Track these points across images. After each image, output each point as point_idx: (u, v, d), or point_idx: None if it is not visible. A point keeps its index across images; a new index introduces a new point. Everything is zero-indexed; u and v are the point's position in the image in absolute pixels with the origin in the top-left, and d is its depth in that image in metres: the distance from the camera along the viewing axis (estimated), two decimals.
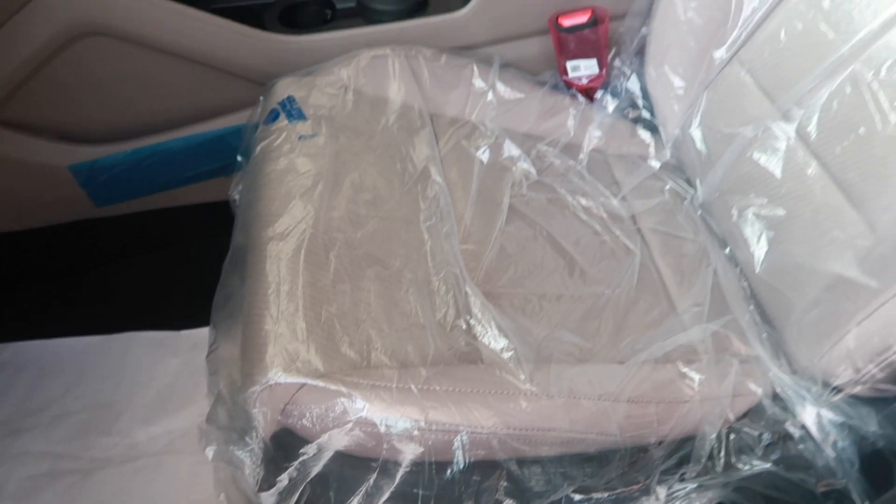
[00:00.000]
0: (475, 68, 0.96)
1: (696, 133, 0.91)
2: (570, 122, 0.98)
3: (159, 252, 1.20)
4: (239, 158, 0.96)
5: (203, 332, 0.76)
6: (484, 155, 0.90)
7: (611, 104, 1.00)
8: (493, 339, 0.65)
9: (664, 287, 0.82)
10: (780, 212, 0.77)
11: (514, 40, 1.01)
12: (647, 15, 0.97)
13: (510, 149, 0.91)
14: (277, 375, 0.59)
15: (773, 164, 0.79)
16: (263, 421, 0.60)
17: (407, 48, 0.95)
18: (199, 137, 1.05)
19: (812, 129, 0.75)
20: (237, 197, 0.93)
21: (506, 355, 0.63)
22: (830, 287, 0.66)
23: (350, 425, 0.57)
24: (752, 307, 0.79)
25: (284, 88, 0.90)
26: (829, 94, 0.74)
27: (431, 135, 0.89)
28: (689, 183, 0.94)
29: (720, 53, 0.88)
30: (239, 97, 1.01)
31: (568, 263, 0.81)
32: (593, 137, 0.97)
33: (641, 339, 0.74)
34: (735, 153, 0.84)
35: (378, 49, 0.95)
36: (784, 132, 0.78)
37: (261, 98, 0.94)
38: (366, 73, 0.93)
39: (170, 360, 1.05)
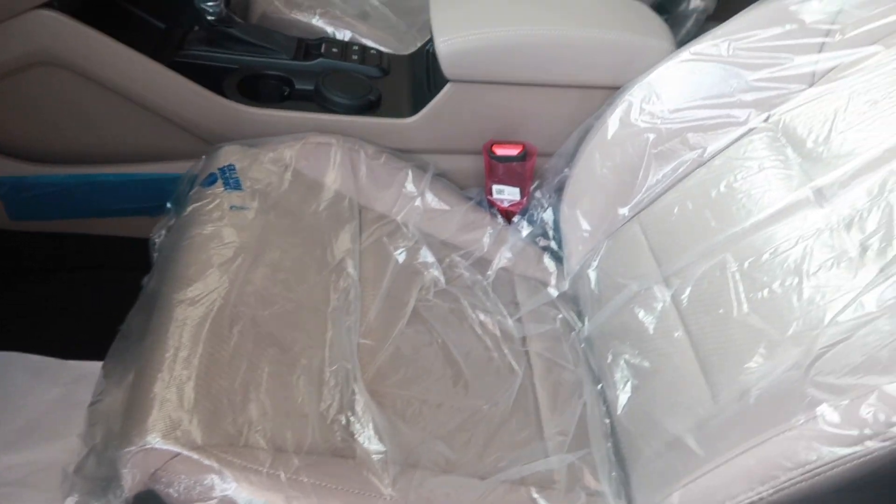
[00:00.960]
0: (410, 173, 1.04)
1: (592, 274, 1.01)
2: (486, 239, 1.06)
3: (65, 275, 1.19)
4: (168, 205, 0.99)
5: (89, 366, 0.76)
6: (401, 256, 0.96)
7: (525, 229, 1.09)
8: (368, 440, 0.70)
9: (537, 411, 0.89)
10: (647, 364, 0.86)
11: (451, 154, 1.10)
12: (571, 159, 1.08)
13: (426, 254, 0.98)
14: (155, 440, 0.61)
15: (648, 320, 0.89)
16: (131, 481, 0.62)
17: (352, 141, 1.03)
18: (134, 176, 1.07)
19: (685, 298, 0.86)
20: (157, 240, 0.96)
21: (375, 457, 0.68)
22: (669, 444, 0.75)
23: (214, 502, 0.60)
24: (609, 444, 0.87)
25: (228, 155, 0.95)
26: (703, 273, 0.85)
27: (357, 228, 0.95)
28: (580, 316, 1.03)
29: (623, 210, 0.99)
30: (182, 148, 1.05)
31: (455, 373, 0.87)
32: (504, 257, 1.06)
33: (506, 457, 0.81)
34: (621, 301, 0.94)
35: (325, 136, 1.01)
36: (662, 295, 0.88)
37: (203, 157, 0.98)
38: (308, 157, 0.99)
39: (49, 388, 1.03)
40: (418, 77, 1.15)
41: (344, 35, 1.28)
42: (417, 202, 1.03)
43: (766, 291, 0.77)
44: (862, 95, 0.80)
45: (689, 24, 1.29)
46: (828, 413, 0.57)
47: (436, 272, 0.97)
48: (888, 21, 0.80)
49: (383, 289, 0.90)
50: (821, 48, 0.85)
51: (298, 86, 1.09)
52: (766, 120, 0.89)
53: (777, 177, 0.84)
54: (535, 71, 1.02)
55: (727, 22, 0.94)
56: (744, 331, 0.77)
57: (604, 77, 1.03)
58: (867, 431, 0.55)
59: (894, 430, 0.54)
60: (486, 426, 0.83)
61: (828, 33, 0.85)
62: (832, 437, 0.56)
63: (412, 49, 1.26)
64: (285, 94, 1.10)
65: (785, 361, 0.70)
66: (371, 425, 0.71)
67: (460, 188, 1.11)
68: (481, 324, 0.95)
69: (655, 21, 1.09)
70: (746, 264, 0.81)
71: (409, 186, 1.03)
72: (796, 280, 0.75)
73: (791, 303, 0.75)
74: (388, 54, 1.21)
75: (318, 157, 0.99)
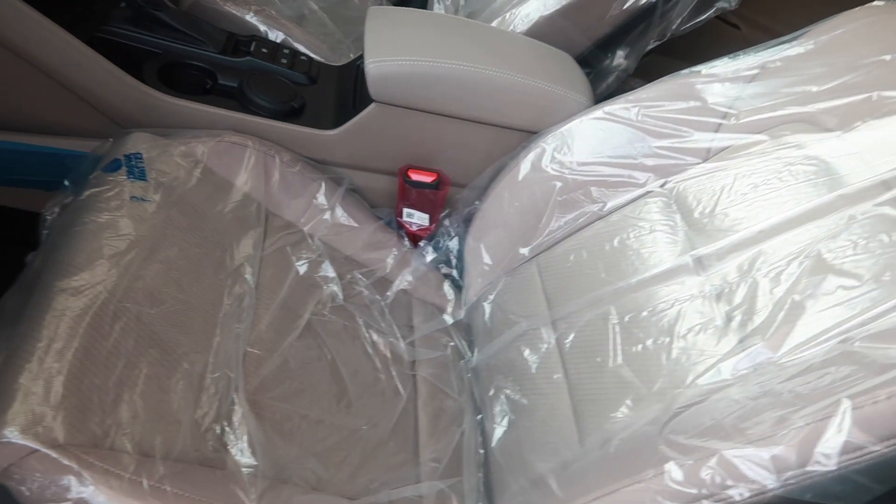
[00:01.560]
0: (323, 185, 1.04)
1: (487, 307, 1.05)
2: (390, 260, 1.08)
3: None
4: (66, 183, 0.95)
5: None
6: (302, 267, 0.96)
7: (430, 255, 1.12)
8: (240, 452, 0.70)
9: (416, 435, 0.91)
10: (525, 401, 0.90)
11: (366, 171, 1.11)
12: (482, 193, 1.11)
13: (327, 269, 0.98)
14: (13, 434, 0.59)
15: (532, 359, 0.93)
16: None
17: (268, 146, 1.02)
18: (34, 148, 1.02)
19: (568, 343, 0.90)
20: (49, 217, 0.92)
21: (245, 470, 0.68)
22: (533, 482, 0.78)
23: None
24: (481, 475, 0.90)
25: (136, 142, 0.92)
26: (587, 321, 0.90)
27: (261, 235, 0.95)
28: (471, 346, 1.06)
29: (524, 251, 1.03)
30: (89, 127, 1.01)
31: (339, 391, 0.88)
32: (405, 279, 1.08)
33: (379, 479, 0.82)
34: (510, 337, 0.98)
35: (241, 137, 1.00)
36: (548, 337, 0.93)
37: (110, 140, 0.95)
38: (221, 155, 0.97)
39: None
40: (345, 90, 1.16)
41: (276, 36, 1.27)
42: (326, 215, 1.03)
43: (640, 346, 0.83)
44: (746, 178, 0.87)
45: (611, 79, 1.35)
46: (674, 470, 0.62)
47: (335, 287, 0.97)
48: (775, 115, 0.88)
49: (279, 299, 0.90)
50: (717, 128, 0.93)
51: (222, 81, 1.08)
52: (662, 186, 0.95)
53: (665, 240, 0.90)
54: (459, 105, 1.05)
55: (641, 89, 1.00)
56: (616, 381, 0.82)
57: (523, 121, 1.07)
58: (704, 491, 0.60)
59: (727, 493, 0.59)
60: (364, 447, 0.84)
61: (725, 116, 0.92)
62: (674, 493, 0.61)
63: (344, 60, 1.26)
64: (207, 87, 1.08)
65: (646, 415, 0.75)
66: (245, 437, 0.71)
67: (372, 206, 1.13)
68: (373, 343, 0.96)
69: (578, 75, 1.14)
70: (627, 318, 0.86)
71: (321, 198, 1.04)
72: (668, 339, 0.81)
73: (660, 360, 0.80)
74: (318, 62, 1.21)
75: (231, 157, 0.98)
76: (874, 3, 0.90)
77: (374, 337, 0.97)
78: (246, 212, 0.96)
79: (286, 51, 1.17)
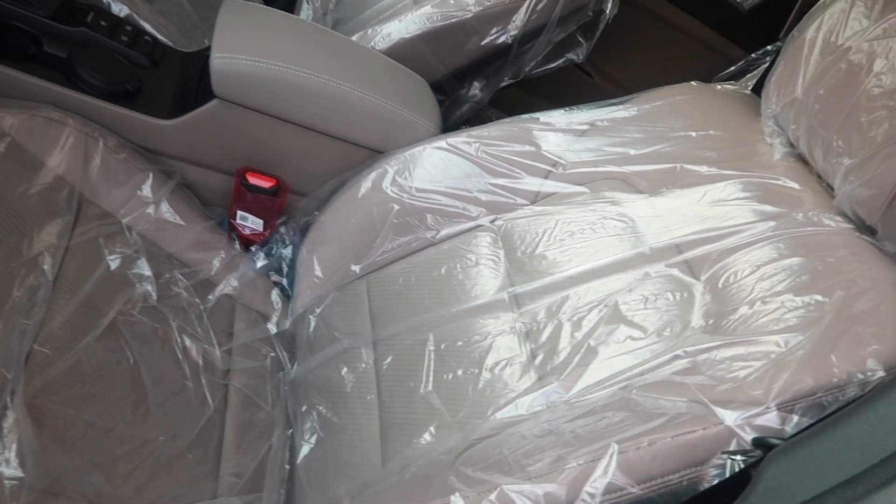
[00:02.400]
0: (151, 177, 0.99)
1: (313, 320, 1.04)
2: (216, 262, 1.04)
3: None
4: None
5: None
6: (114, 262, 0.90)
7: (261, 261, 1.09)
8: (5, 462, 0.64)
9: (219, 448, 0.88)
10: (335, 420, 0.90)
11: (201, 167, 1.06)
12: (322, 205, 1.10)
13: (143, 266, 0.93)
14: None
15: (349, 378, 0.93)
16: None
17: (92, 127, 0.95)
18: None
19: (385, 364, 0.92)
20: None
21: (7, 483, 0.62)
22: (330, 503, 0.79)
23: None
24: (283, 491, 0.89)
25: None
26: (407, 345, 0.92)
27: (70, 223, 0.87)
28: (292, 358, 1.04)
29: (356, 268, 1.04)
30: None
31: (138, 398, 0.83)
32: (230, 284, 1.04)
33: (169, 494, 0.79)
34: (331, 353, 0.97)
35: (61, 114, 0.92)
36: (367, 357, 0.94)
37: None
38: (34, 131, 0.89)
39: None
40: (189, 79, 1.10)
41: (121, 10, 1.18)
42: (150, 209, 0.97)
43: (451, 375, 0.86)
44: (566, 225, 0.93)
45: (465, 108, 1.40)
46: (457, 502, 0.65)
47: (149, 286, 0.92)
48: (597, 170, 0.95)
49: (81, 294, 0.83)
50: (547, 175, 0.99)
51: (48, 49, 0.98)
52: (492, 221, 1.00)
53: (488, 274, 0.94)
54: (308, 115, 1.03)
55: (484, 126, 1.04)
56: (424, 407, 0.85)
57: (370, 139, 1.07)
58: None
59: None
60: (157, 458, 0.80)
61: (555, 164, 0.98)
62: None
63: (195, 47, 1.20)
64: (29, 53, 0.98)
65: (445, 444, 0.78)
66: (15, 446, 0.65)
67: (204, 204, 1.08)
68: (185, 349, 0.92)
69: (430, 101, 1.17)
70: (443, 346, 0.89)
71: (146, 190, 0.98)
72: (477, 371, 0.85)
73: (467, 390, 0.84)
74: (163, 45, 1.14)
75: (45, 135, 0.90)
76: (691, 82, 1.00)
77: (187, 342, 0.93)
78: (55, 196, 0.88)
79: (128, 27, 1.09)
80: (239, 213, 1.07)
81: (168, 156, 1.04)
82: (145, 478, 0.77)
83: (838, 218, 0.76)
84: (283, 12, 1.15)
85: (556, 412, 0.75)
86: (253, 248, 1.09)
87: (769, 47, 1.95)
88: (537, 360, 0.83)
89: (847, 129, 0.72)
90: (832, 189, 0.78)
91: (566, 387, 0.77)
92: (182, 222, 1.00)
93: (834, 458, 0.44)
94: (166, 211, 0.99)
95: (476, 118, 1.51)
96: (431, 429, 0.81)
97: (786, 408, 0.64)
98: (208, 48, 1.12)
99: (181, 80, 1.10)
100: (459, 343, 0.89)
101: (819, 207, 0.77)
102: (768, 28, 2.00)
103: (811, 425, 0.58)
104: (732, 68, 2.00)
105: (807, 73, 0.78)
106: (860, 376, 0.64)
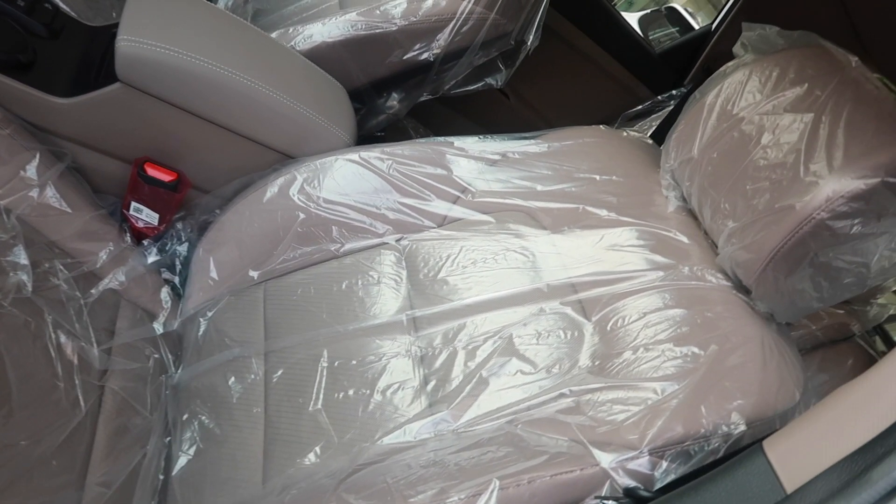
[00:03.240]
0: (38, 157, 0.92)
1: (203, 323, 1.00)
2: (103, 254, 0.98)
3: None
4: None
5: None
6: None
7: (153, 256, 1.04)
8: None
9: (88, 455, 0.83)
10: (218, 431, 0.87)
11: (96, 152, 1.00)
12: (224, 204, 1.07)
13: (19, 254, 0.86)
14: None
15: (236, 388, 0.90)
16: None
17: None
18: None
19: (276, 378, 0.90)
20: None
21: None
22: None
23: None
24: (155, 502, 0.85)
25: None
26: (299, 359, 0.90)
27: None
28: (177, 362, 1.00)
29: (254, 274, 1.01)
30: None
31: (1, 398, 0.77)
32: (117, 278, 0.98)
33: None
34: (220, 360, 0.94)
35: None
36: (258, 368, 0.91)
37: None
38: None
39: None
40: (91, 57, 1.03)
41: None
42: (34, 192, 0.90)
43: (342, 394, 0.85)
44: (470, 252, 0.95)
45: (381, 118, 1.39)
46: None
47: (24, 276, 0.85)
48: (504, 202, 0.97)
49: None
50: (456, 200, 1.00)
51: None
52: (398, 241, 1.00)
53: (389, 294, 0.94)
54: (217, 111, 0.99)
55: (399, 144, 1.04)
56: (312, 425, 0.84)
57: (281, 143, 1.05)
58: None
59: None
60: (17, 465, 0.75)
61: (464, 190, 1.00)
62: None
63: (100, 21, 1.13)
64: None
65: (330, 466, 0.77)
66: None
67: (95, 191, 1.02)
68: (59, 346, 0.86)
69: (346, 109, 1.16)
70: (337, 363, 0.88)
71: (31, 171, 0.91)
72: (368, 392, 0.85)
73: (357, 411, 0.83)
74: (66, 16, 1.06)
75: None
76: (600, 126, 1.04)
77: (62, 339, 0.87)
78: None
79: None
80: (133, 204, 1.02)
81: (60, 136, 0.97)
82: (1, 486, 0.72)
83: (719, 275, 0.82)
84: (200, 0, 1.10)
85: (443, 441, 0.76)
86: (145, 242, 1.04)
87: (674, 91, 2.07)
88: (429, 386, 0.84)
89: (733, 194, 0.78)
90: (716, 246, 0.83)
91: (455, 416, 0.79)
92: (68, 209, 0.94)
93: None
94: (52, 195, 0.92)
95: (392, 127, 1.51)
96: (317, 449, 0.80)
97: (657, 453, 0.69)
98: (116, 24, 1.05)
99: (82, 56, 1.02)
100: (353, 362, 0.88)
101: (703, 263, 0.83)
102: (675, 73, 2.12)
103: (677, 482, 0.62)
104: (639, 107, 2.11)
105: (704, 135, 0.83)
106: (725, 429, 0.69)
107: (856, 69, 0.76)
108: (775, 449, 0.47)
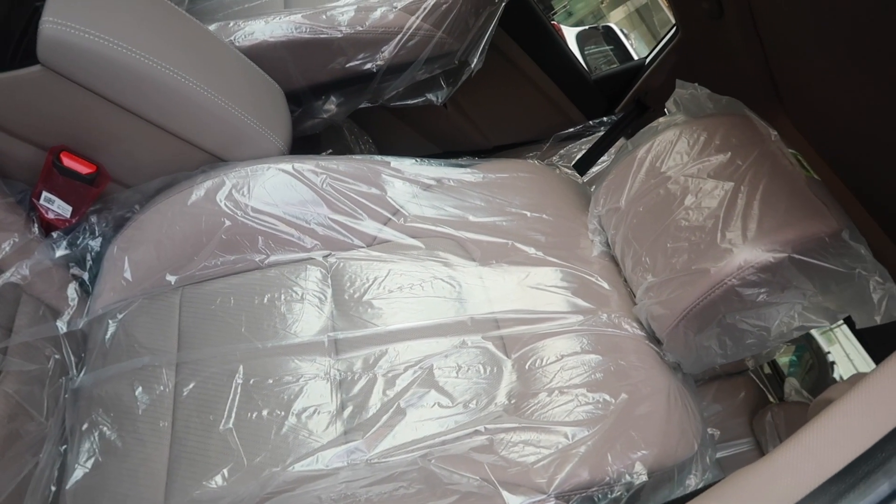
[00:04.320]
0: None
1: (112, 325, 0.96)
2: (6, 245, 0.92)
3: None
4: None
5: None
6: None
7: (62, 250, 0.98)
8: None
9: None
10: (119, 444, 0.84)
11: (9, 135, 0.94)
12: (145, 202, 1.02)
13: None
14: None
15: (143, 399, 0.87)
16: None
17: None
18: None
19: (186, 391, 0.87)
20: None
21: None
22: None
23: None
24: None
25: None
26: (213, 373, 0.88)
27: None
28: (80, 364, 0.95)
29: (171, 278, 0.97)
30: None
31: None
32: (20, 271, 0.93)
33: None
34: (127, 368, 0.90)
35: None
36: (168, 379, 0.88)
37: None
38: None
39: None
40: (10, 32, 0.96)
41: None
42: None
43: (255, 414, 0.84)
44: (397, 276, 0.95)
45: (317, 121, 1.37)
46: None
47: None
48: (435, 229, 0.98)
49: None
50: (386, 222, 0.99)
51: None
52: (325, 257, 0.99)
53: (311, 313, 0.93)
54: (146, 105, 0.95)
55: (334, 158, 1.02)
56: (221, 445, 0.82)
57: (211, 144, 1.01)
58: None
59: None
60: None
61: (396, 212, 1.00)
62: None
63: None
64: None
65: (237, 492, 0.76)
66: None
67: (3, 177, 0.95)
68: None
69: (283, 113, 1.13)
70: (252, 381, 0.87)
71: None
72: (283, 414, 0.83)
73: (269, 433, 0.82)
74: None
75: None
76: (535, 162, 1.06)
77: None
78: None
79: None
80: (45, 194, 0.96)
81: None
82: None
83: (635, 324, 0.85)
84: None
85: (356, 472, 0.76)
86: (54, 235, 0.98)
87: (605, 118, 2.14)
88: (346, 413, 0.83)
89: (654, 249, 0.81)
90: (634, 295, 0.87)
91: (370, 445, 0.79)
92: None
93: None
94: None
95: (331, 132, 1.49)
96: (225, 471, 0.79)
97: (563, 497, 0.71)
98: (41, 1, 0.99)
99: (1, 31, 0.95)
100: (270, 381, 0.87)
101: (621, 311, 0.86)
102: (608, 100, 2.19)
103: None
104: (571, 129, 2.16)
105: (632, 188, 0.86)
106: (628, 478, 0.72)
107: (774, 142, 0.81)
108: None
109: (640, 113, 1.94)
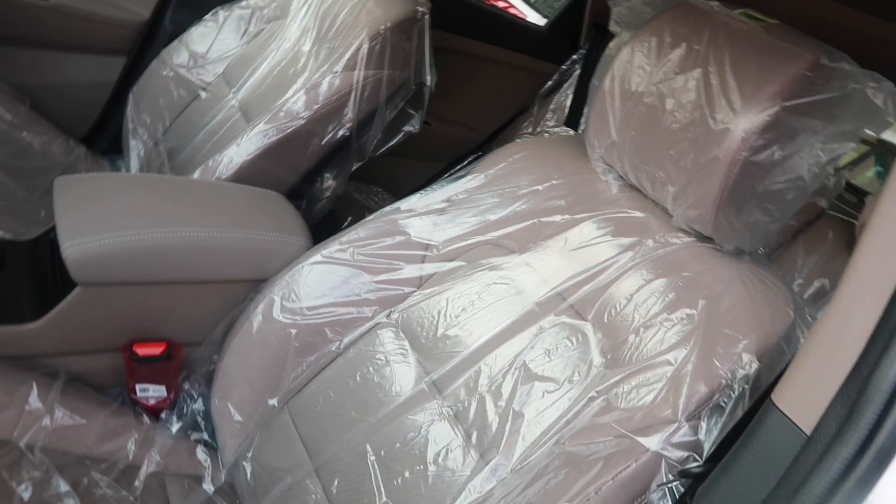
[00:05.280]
0: (34, 386, 0.94)
1: (247, 466, 1.03)
2: (131, 445, 1.01)
3: None
4: None
5: None
6: (26, 492, 0.86)
7: (175, 425, 1.07)
8: None
9: None
10: None
11: (85, 354, 1.03)
12: (219, 348, 1.10)
13: (58, 483, 0.89)
14: None
15: None
16: None
17: None
18: None
19: (335, 489, 0.93)
20: None
21: None
22: None
23: None
24: None
25: None
26: (348, 463, 0.94)
27: None
28: None
29: (273, 401, 1.04)
30: None
31: None
32: (153, 461, 1.01)
33: None
34: (276, 495, 0.98)
35: None
36: (315, 487, 0.95)
37: None
38: None
39: None
40: (41, 271, 1.06)
41: None
42: (45, 420, 0.93)
43: (399, 479, 0.89)
44: (456, 300, 0.99)
45: (324, 201, 1.43)
46: None
47: (72, 502, 0.88)
48: (467, 243, 1.01)
49: None
50: (423, 259, 1.04)
51: None
52: (388, 316, 1.04)
53: (402, 370, 0.98)
54: (175, 271, 1.03)
55: (351, 229, 1.08)
56: None
57: (244, 272, 1.08)
58: None
59: None
60: None
61: (427, 247, 1.04)
62: None
63: (35, 229, 1.16)
64: None
65: None
66: None
67: (99, 390, 1.04)
68: None
69: (291, 214, 1.19)
70: (383, 453, 0.92)
71: (34, 402, 0.94)
72: (422, 467, 0.88)
73: (420, 489, 0.87)
74: (4, 241, 1.09)
75: None
76: (524, 139, 1.09)
77: None
78: None
79: None
80: (138, 386, 1.05)
81: (45, 356, 1.00)
82: None
83: (681, 234, 0.87)
84: (117, 174, 1.14)
85: (507, 486, 0.80)
86: (163, 416, 1.07)
87: (574, 56, 2.14)
88: (473, 439, 0.88)
89: (662, 161, 0.83)
90: (667, 210, 0.89)
91: (507, 456, 0.83)
92: (83, 420, 0.97)
93: (743, 489, 0.52)
94: (62, 415, 0.95)
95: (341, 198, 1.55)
96: None
97: (694, 417, 0.73)
98: (51, 230, 1.09)
99: (34, 274, 1.06)
100: (397, 445, 0.92)
101: (663, 230, 0.88)
102: (568, 39, 2.19)
103: (718, 451, 0.67)
104: (549, 83, 2.17)
105: (615, 119, 0.88)
106: (741, 371, 0.74)
107: (720, 13, 0.82)
108: (784, 398, 0.51)
109: (602, 37, 1.94)
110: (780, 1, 0.81)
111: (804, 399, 0.49)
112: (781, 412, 0.50)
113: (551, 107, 2.13)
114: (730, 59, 0.77)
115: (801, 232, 1.73)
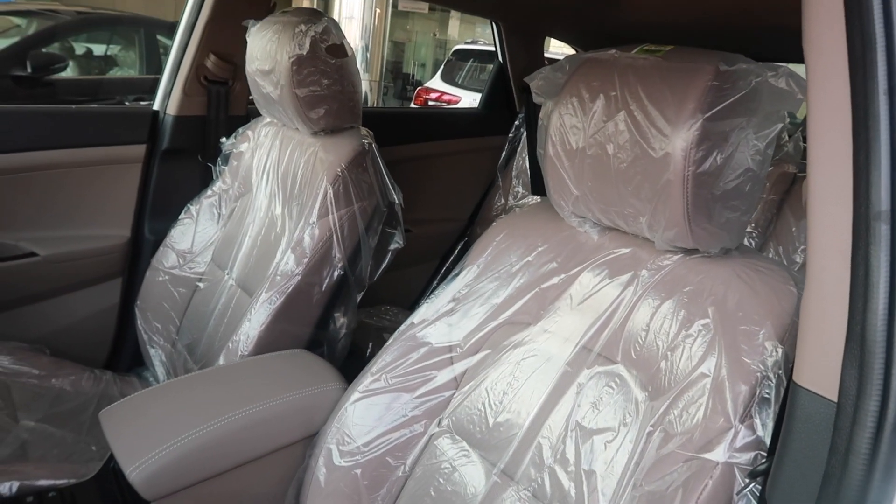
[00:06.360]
0: None
1: None
2: None
3: None
4: None
5: None
6: None
7: None
8: None
9: None
10: None
11: None
12: None
13: None
14: None
15: None
16: None
17: None
18: None
19: None
20: None
21: None
22: None
23: None
24: None
25: None
26: None
27: None
28: None
29: None
30: None
31: None
32: None
33: None
34: None
35: None
36: None
37: None
38: None
39: None
40: (113, 499, 1.10)
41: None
42: None
43: None
44: (495, 387, 1.03)
45: (342, 339, 1.49)
46: None
47: None
48: (484, 332, 1.07)
49: None
50: (452, 361, 1.09)
51: None
52: (439, 425, 1.08)
53: (469, 471, 1.01)
54: (233, 457, 1.07)
55: (377, 358, 1.13)
56: None
57: (296, 434, 1.13)
58: None
59: None
60: None
61: (451, 349, 1.09)
62: None
63: (94, 466, 1.21)
64: None
65: None
66: None
67: None
68: None
69: (319, 364, 1.25)
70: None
71: None
72: None
73: None
74: (72, 486, 1.14)
75: None
76: (499, 220, 1.16)
77: None
78: None
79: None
80: None
81: None
82: None
83: (669, 255, 0.93)
84: (151, 389, 1.20)
85: None
86: None
87: (516, 122, 2.26)
88: None
89: (625, 199, 0.90)
90: (649, 239, 0.95)
91: None
92: None
93: (803, 470, 0.55)
94: None
95: (356, 329, 1.60)
96: None
97: (746, 418, 0.77)
98: (110, 459, 1.14)
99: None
100: None
101: (652, 256, 0.94)
102: (506, 109, 2.32)
103: (773, 447, 0.70)
104: (503, 154, 2.29)
105: (570, 177, 0.96)
106: (770, 359, 0.78)
107: (620, 58, 0.91)
108: (803, 377, 0.55)
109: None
110: (662, 30, 0.90)
111: (819, 372, 0.53)
112: (807, 389, 0.54)
113: (514, 174, 2.23)
114: (645, 94, 0.85)
115: (784, 201, 1.79)
